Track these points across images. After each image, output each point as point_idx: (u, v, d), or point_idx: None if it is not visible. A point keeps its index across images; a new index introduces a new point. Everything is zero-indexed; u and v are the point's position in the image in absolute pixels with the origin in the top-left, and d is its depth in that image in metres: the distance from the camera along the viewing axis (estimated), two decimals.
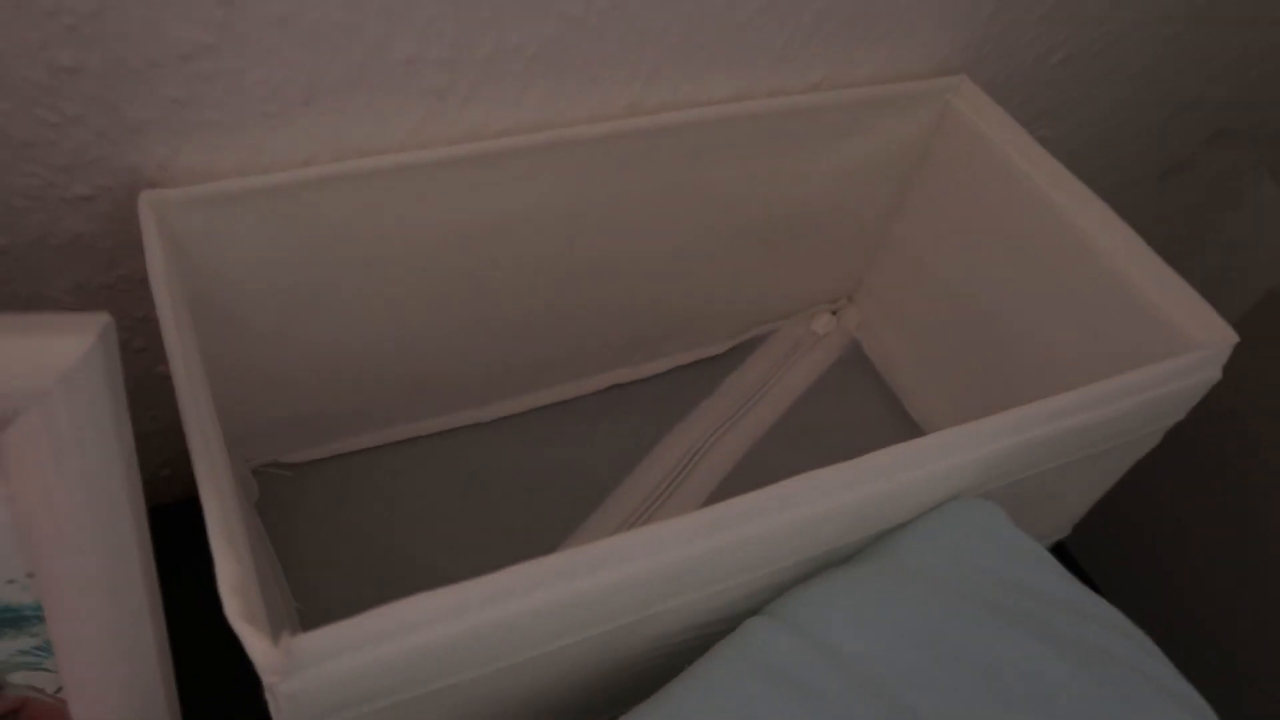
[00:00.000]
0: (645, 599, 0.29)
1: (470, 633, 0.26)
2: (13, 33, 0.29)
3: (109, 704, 0.28)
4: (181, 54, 0.31)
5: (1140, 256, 0.41)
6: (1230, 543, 0.75)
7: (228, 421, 0.36)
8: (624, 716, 0.29)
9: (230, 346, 0.39)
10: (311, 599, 0.43)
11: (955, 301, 0.51)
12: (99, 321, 0.23)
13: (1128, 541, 0.81)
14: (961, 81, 0.47)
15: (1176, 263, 0.41)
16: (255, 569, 0.26)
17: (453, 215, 0.39)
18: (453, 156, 0.37)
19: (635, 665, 0.33)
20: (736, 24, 0.40)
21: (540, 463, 0.50)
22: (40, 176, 0.33)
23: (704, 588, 0.31)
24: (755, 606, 0.33)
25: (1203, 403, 0.40)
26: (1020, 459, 0.35)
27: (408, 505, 0.47)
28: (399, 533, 0.46)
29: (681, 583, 0.30)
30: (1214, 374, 0.38)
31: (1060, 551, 0.52)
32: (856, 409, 0.55)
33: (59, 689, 0.29)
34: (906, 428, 0.55)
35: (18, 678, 0.28)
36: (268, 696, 0.26)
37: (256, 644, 0.24)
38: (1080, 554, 0.53)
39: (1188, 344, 0.39)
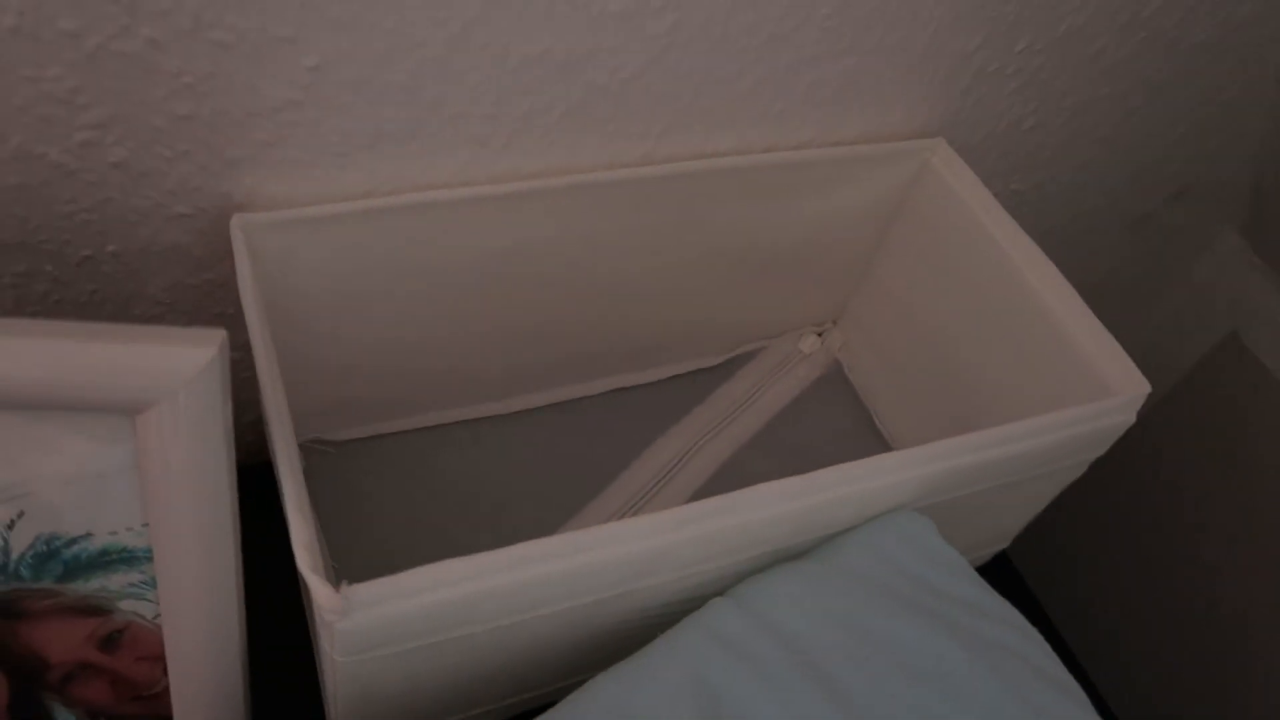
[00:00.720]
0: (629, 576, 0.36)
1: (486, 592, 0.33)
2: (144, 89, 0.35)
3: (196, 631, 0.35)
4: (274, 107, 0.38)
5: (1077, 312, 0.46)
6: (1160, 555, 0.81)
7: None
8: (605, 670, 0.36)
9: (294, 342, 0.45)
10: (344, 558, 0.49)
11: (923, 333, 0.56)
12: (218, 337, 0.30)
13: (1066, 552, 0.88)
14: (939, 144, 0.52)
15: (1142, 304, 0.45)
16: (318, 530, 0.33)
17: (486, 241, 0.46)
18: (490, 194, 0.44)
19: (619, 631, 0.39)
20: (739, 93, 0.46)
21: (549, 452, 0.56)
22: (151, 199, 0.39)
23: (677, 570, 0.37)
24: (720, 589, 0.39)
25: (1166, 428, 0.45)
26: (951, 480, 0.41)
27: (432, 482, 0.53)
28: (422, 505, 0.52)
29: (659, 565, 0.36)
30: (1128, 418, 0.44)
31: (1002, 560, 0.58)
32: (833, 423, 0.60)
33: (156, 615, 0.36)
34: (876, 443, 0.60)
35: (126, 605, 0.35)
36: (320, 632, 0.33)
37: (321, 589, 0.30)
38: (1019, 562, 0.59)
39: (1108, 391, 0.45)
